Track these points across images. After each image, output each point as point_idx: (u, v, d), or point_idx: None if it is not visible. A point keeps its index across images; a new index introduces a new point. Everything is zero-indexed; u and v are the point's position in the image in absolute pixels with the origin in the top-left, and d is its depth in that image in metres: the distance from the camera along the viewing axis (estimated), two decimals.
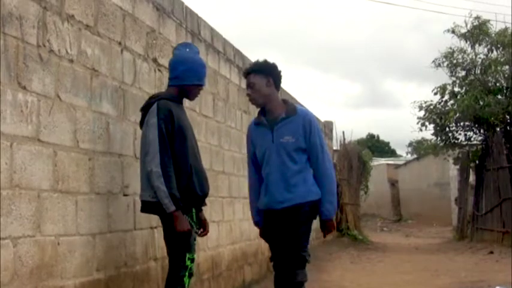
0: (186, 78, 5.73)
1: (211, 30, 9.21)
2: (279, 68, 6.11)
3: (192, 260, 5.59)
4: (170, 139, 5.45)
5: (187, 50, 5.89)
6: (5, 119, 4.35)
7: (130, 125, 6.30)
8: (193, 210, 5.65)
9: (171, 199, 5.31)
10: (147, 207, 5.57)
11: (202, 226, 5.89)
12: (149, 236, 6.60)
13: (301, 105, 5.93)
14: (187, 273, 5.54)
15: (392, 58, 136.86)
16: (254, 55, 11.05)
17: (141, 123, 5.70)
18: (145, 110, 5.64)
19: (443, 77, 21.51)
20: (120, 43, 6.16)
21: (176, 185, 5.38)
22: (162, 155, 5.35)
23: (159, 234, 6.75)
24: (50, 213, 4.87)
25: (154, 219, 6.58)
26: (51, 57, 4.97)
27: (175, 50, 6.01)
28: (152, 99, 5.70)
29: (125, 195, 6.11)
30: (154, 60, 6.96)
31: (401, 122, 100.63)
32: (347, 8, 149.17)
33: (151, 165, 5.37)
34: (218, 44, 9.49)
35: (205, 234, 6.05)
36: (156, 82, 6.99)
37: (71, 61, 5.26)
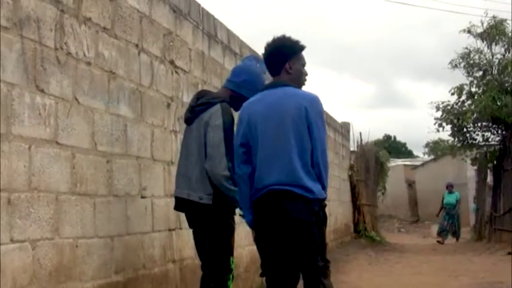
0: (243, 89, 5.64)
1: (228, 31, 9.20)
2: (265, 50, 5.30)
3: (233, 263, 5.60)
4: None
5: (258, 65, 5.77)
6: (23, 122, 4.36)
7: (148, 127, 6.30)
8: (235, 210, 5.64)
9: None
10: (190, 207, 5.52)
11: None
12: (167, 238, 6.61)
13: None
14: (231, 276, 5.54)
15: (406, 58, 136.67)
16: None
17: (190, 119, 5.61)
18: (198, 106, 5.58)
19: (458, 76, 21.48)
20: (137, 45, 6.17)
21: None
22: (229, 159, 5.30)
23: (177, 236, 6.77)
24: (68, 215, 4.87)
25: (173, 221, 6.59)
26: (69, 60, 4.98)
27: (246, 59, 6.00)
28: (211, 99, 5.59)
29: (142, 197, 6.12)
30: (172, 62, 6.96)
31: (417, 122, 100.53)
32: (360, 8, 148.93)
33: (219, 169, 5.31)
34: (235, 45, 9.48)
35: None
36: (174, 84, 6.99)
37: (89, 64, 5.27)
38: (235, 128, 5.28)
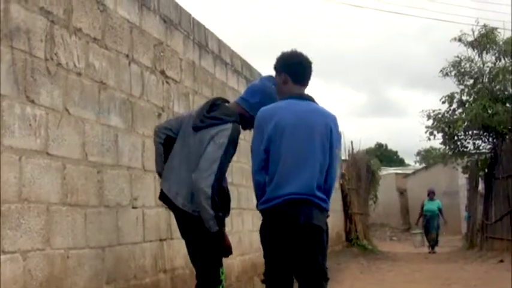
0: (254, 110, 5.55)
1: (219, 41, 9.21)
2: (299, 58, 5.46)
3: (223, 274, 5.58)
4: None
5: (273, 87, 5.75)
6: (13, 133, 4.36)
7: (139, 138, 6.30)
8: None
9: (216, 220, 5.25)
10: (186, 217, 5.47)
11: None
12: (158, 248, 6.60)
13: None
14: (221, 287, 5.53)
15: (396, 66, 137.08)
16: (258, 65, 11.00)
17: (198, 128, 5.49)
18: (211, 119, 5.49)
19: (449, 85, 21.55)
20: (127, 56, 6.17)
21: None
22: (216, 179, 5.23)
23: (168, 246, 6.76)
24: (59, 226, 4.87)
25: (164, 231, 6.58)
26: (59, 71, 4.97)
27: (265, 79, 5.85)
28: (225, 116, 5.47)
29: (133, 207, 6.12)
30: (162, 73, 6.96)
31: (407, 131, 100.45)
32: (349, 17, 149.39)
33: (202, 184, 5.21)
34: (226, 55, 9.50)
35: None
36: (164, 94, 6.99)
37: (79, 74, 5.27)
38: (253, 131, 5.35)
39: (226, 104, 5.70)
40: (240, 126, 5.61)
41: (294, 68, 5.39)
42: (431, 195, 25.26)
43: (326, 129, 5.23)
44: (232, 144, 5.38)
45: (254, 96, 5.68)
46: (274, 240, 5.18)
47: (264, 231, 5.28)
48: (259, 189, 5.26)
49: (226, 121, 5.42)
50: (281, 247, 5.14)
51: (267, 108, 5.30)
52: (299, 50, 5.46)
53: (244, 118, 5.64)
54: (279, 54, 5.50)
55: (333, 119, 5.37)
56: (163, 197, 5.60)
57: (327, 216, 5.34)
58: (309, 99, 5.39)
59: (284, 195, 5.07)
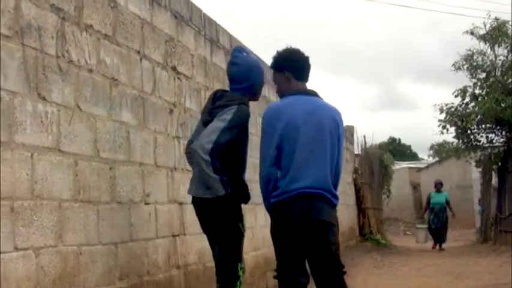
0: (251, 89, 5.74)
1: (230, 37, 9.20)
2: (299, 55, 5.55)
3: (242, 270, 5.57)
4: (233, 146, 5.42)
5: (249, 57, 5.91)
6: (25, 130, 4.37)
7: (151, 134, 6.31)
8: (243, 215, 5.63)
9: (222, 184, 5.27)
10: (202, 205, 5.50)
11: None
12: (171, 244, 6.61)
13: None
14: (239, 283, 5.52)
15: (406, 60, 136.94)
16: (266, 59, 10.96)
17: (208, 122, 5.49)
18: (216, 108, 5.55)
19: (459, 78, 21.49)
20: (139, 52, 6.17)
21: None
22: (214, 148, 5.23)
23: (181, 242, 6.77)
24: (72, 223, 4.88)
25: (176, 227, 6.59)
26: (71, 68, 4.98)
27: (237, 58, 5.84)
28: (229, 101, 5.53)
29: (146, 203, 6.12)
30: (174, 68, 6.96)
31: (419, 124, 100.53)
32: (359, 11, 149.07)
33: (200, 152, 5.22)
34: None
35: None
36: (176, 90, 6.99)
37: (90, 71, 5.27)
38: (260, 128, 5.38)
39: (228, 93, 5.75)
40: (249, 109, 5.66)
41: (296, 66, 5.48)
42: (438, 186, 23.42)
43: (334, 124, 5.34)
44: (238, 123, 5.41)
45: (243, 81, 5.72)
46: (285, 233, 5.22)
47: (275, 224, 5.32)
48: (270, 184, 5.29)
49: (231, 105, 5.47)
50: (292, 240, 5.19)
51: (274, 106, 5.37)
52: (291, 45, 5.58)
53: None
54: (276, 52, 5.57)
55: (339, 114, 5.49)
56: (192, 200, 5.66)
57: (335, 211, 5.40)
58: (314, 94, 5.48)
59: (298, 189, 5.14)
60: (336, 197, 5.31)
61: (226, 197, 5.31)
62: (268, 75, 6.07)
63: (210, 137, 5.26)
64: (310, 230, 5.14)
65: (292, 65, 5.45)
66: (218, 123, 5.34)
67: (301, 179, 5.16)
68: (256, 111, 8.05)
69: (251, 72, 5.72)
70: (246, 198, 5.67)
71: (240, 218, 5.54)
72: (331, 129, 5.30)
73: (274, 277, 5.36)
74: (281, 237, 5.28)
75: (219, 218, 5.42)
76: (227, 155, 5.35)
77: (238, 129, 5.42)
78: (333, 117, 5.36)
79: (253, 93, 5.76)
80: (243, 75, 5.74)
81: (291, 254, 5.22)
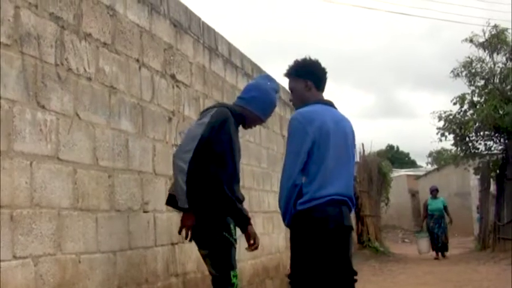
0: (251, 104, 5.79)
1: (229, 45, 9.21)
2: (320, 65, 5.54)
3: (236, 277, 5.58)
4: (210, 146, 5.44)
5: (268, 83, 5.96)
6: (24, 138, 4.37)
7: (150, 142, 6.31)
8: (231, 224, 5.61)
9: (187, 198, 5.32)
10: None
11: (251, 239, 5.86)
12: (170, 253, 6.60)
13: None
14: None
15: (405, 67, 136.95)
16: (266, 67, 10.99)
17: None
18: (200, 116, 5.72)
19: (457, 86, 21.59)
20: (137, 60, 6.18)
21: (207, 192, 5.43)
22: (195, 156, 5.31)
23: (179, 250, 6.76)
24: (71, 231, 4.88)
25: (175, 235, 6.58)
26: (70, 76, 4.99)
27: (259, 77, 6.17)
28: (211, 107, 5.78)
29: (145, 212, 6.12)
30: (173, 77, 6.97)
31: (418, 132, 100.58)
32: (358, 19, 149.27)
33: (178, 159, 5.36)
34: (236, 58, 9.49)
35: (255, 248, 5.96)
36: (175, 98, 7.00)
37: (89, 79, 5.28)
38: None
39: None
40: (242, 125, 5.82)
41: (318, 75, 5.51)
42: (434, 192, 22.71)
43: (352, 136, 5.49)
44: (217, 125, 5.46)
45: (248, 92, 5.89)
46: (318, 241, 5.06)
47: (304, 233, 5.12)
48: (296, 191, 5.12)
49: (212, 108, 5.65)
50: (326, 248, 5.07)
51: (304, 110, 5.30)
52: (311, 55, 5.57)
53: (246, 117, 5.83)
54: (296, 60, 5.52)
55: (352, 125, 5.58)
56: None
57: None
58: (333, 105, 5.53)
59: (330, 195, 5.11)
60: (355, 205, 5.55)
61: (204, 207, 5.41)
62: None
63: (189, 144, 5.36)
64: (340, 237, 5.15)
65: (315, 74, 5.48)
66: (197, 129, 5.45)
67: (330, 185, 5.12)
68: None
69: (255, 90, 5.89)
70: (231, 209, 5.63)
71: (224, 227, 5.53)
72: (351, 140, 5.43)
73: (290, 283, 5.24)
74: (313, 246, 5.08)
75: (201, 228, 5.46)
76: (204, 153, 5.42)
77: (216, 126, 5.47)
78: (351, 129, 5.47)
79: (244, 109, 5.80)
80: (248, 87, 6.00)
81: (325, 262, 5.08)
